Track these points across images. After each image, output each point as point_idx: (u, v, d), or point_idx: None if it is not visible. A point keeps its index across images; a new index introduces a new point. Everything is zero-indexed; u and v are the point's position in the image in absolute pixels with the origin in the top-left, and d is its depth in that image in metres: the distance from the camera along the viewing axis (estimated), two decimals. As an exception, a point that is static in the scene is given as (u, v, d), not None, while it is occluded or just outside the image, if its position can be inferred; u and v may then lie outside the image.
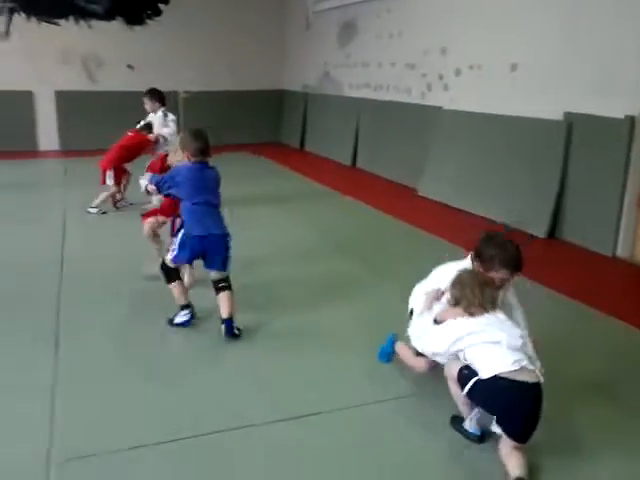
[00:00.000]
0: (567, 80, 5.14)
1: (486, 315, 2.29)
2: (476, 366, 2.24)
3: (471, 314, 2.30)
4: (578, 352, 3.18)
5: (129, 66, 9.66)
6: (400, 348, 2.86)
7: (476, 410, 2.35)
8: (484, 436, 2.35)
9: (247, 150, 9.80)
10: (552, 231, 5.26)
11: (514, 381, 2.12)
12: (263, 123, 11.02)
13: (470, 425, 2.38)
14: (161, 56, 9.89)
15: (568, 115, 5.12)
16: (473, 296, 2.31)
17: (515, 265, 2.47)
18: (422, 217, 5.83)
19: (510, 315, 2.43)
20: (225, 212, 3.43)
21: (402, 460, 2.30)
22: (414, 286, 2.85)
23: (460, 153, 6.43)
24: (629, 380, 2.90)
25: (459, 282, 2.39)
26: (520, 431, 2.16)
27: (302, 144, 10.39)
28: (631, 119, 4.58)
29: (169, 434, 2.39)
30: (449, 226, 5.59)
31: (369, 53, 8.41)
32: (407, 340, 2.69)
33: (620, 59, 4.65)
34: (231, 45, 10.50)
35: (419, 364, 2.69)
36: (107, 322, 3.40)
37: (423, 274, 2.85)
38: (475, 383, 2.21)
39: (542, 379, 2.17)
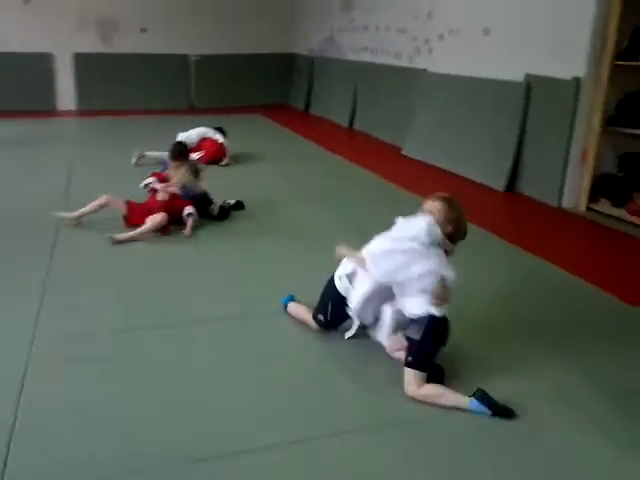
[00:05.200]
0: (528, 43, 5.49)
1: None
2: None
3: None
4: (518, 295, 3.49)
5: (142, 29, 10.18)
6: (294, 306, 3.07)
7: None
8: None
9: (257, 112, 10.29)
10: (511, 185, 5.68)
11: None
12: (274, 86, 11.44)
13: None
14: (173, 19, 10.38)
15: (527, 77, 5.49)
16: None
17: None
18: (400, 175, 6.25)
19: None
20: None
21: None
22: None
23: (437, 114, 6.83)
24: (561, 321, 3.19)
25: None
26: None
27: (307, 107, 10.83)
28: (577, 80, 4.94)
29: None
30: (423, 182, 6.05)
31: (369, 17, 8.75)
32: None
33: (570, 25, 4.98)
34: (242, 9, 10.90)
35: (314, 325, 2.90)
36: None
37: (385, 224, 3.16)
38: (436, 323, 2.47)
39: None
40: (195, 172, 4.55)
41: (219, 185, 4.98)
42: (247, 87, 11.16)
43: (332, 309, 2.79)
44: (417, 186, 5.70)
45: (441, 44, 6.97)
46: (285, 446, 2.16)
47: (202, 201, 4.57)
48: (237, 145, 6.82)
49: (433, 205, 2.60)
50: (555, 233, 4.73)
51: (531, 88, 5.45)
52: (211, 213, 4.62)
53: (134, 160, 6.24)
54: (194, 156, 6.32)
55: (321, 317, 2.83)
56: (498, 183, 5.71)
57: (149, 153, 6.36)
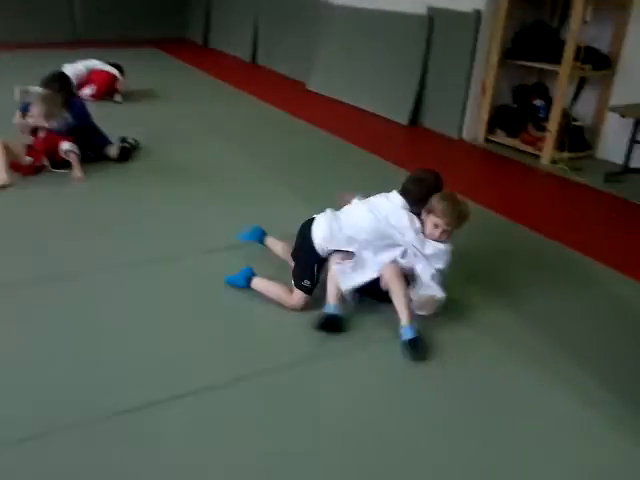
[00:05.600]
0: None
1: None
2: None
3: None
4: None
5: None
6: (262, 283, 2.70)
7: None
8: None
9: (153, 46, 9.72)
10: (414, 119, 5.82)
11: None
12: (169, 17, 10.81)
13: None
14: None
15: (430, 10, 5.55)
16: None
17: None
18: (307, 110, 6.20)
19: None
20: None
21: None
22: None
23: (342, 48, 6.78)
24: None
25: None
26: None
27: (206, 41, 10.37)
28: (477, 12, 5.07)
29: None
30: (330, 117, 6.06)
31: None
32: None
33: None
34: None
35: (295, 299, 2.61)
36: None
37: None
38: None
39: None
40: (54, 100, 4.05)
41: (115, 125, 4.70)
42: (140, 19, 10.45)
43: (317, 271, 2.64)
44: (324, 121, 5.72)
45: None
46: (202, 392, 2.11)
47: (86, 135, 4.18)
48: (134, 81, 6.45)
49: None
50: (456, 163, 4.93)
51: (433, 21, 5.52)
52: (110, 155, 4.29)
53: (17, 96, 5.74)
54: (86, 92, 5.94)
55: (307, 282, 2.61)
56: (402, 117, 5.82)
57: (33, 88, 5.86)
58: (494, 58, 5.12)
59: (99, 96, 5.93)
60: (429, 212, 2.57)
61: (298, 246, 2.75)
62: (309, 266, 2.63)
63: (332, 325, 2.46)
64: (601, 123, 4.97)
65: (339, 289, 2.54)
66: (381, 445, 1.92)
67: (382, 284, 2.53)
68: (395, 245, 2.60)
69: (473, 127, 5.40)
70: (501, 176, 4.70)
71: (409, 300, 2.46)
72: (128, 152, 4.39)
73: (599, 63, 4.75)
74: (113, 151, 4.30)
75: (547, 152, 4.81)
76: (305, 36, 7.59)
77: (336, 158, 4.78)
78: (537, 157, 4.92)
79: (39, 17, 9.59)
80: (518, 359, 2.37)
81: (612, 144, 4.89)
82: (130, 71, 6.45)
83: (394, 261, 2.54)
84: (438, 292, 2.51)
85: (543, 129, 5.02)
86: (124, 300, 2.67)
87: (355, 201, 2.79)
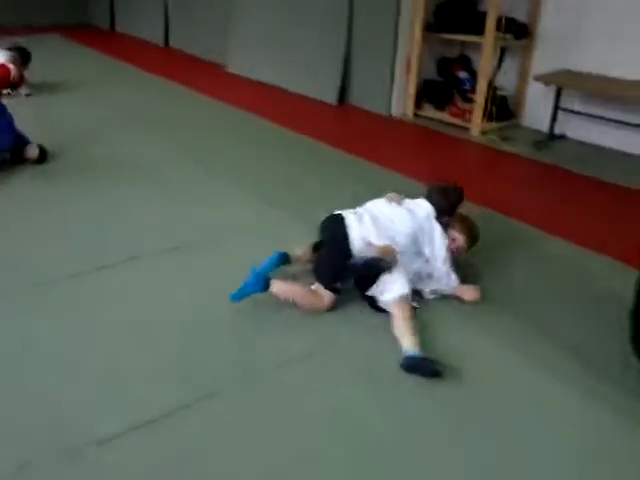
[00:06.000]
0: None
1: None
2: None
3: None
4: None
5: None
6: (285, 286, 2.47)
7: None
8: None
9: (55, 32, 9.08)
10: (342, 98, 5.76)
11: None
12: (69, 1, 10.16)
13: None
14: None
15: (350, -16, 5.46)
16: None
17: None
18: (232, 94, 5.97)
19: None
20: None
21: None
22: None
23: (260, 27, 6.56)
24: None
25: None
26: None
27: (112, 25, 9.81)
28: (397, -15, 5.03)
29: None
30: (252, 98, 5.89)
31: None
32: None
33: None
34: None
35: (326, 301, 2.45)
36: None
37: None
38: None
39: None
40: None
41: (26, 121, 4.29)
42: (38, 3, 9.75)
43: (349, 270, 2.47)
44: (250, 104, 5.56)
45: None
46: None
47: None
48: (39, 72, 5.98)
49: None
50: (387, 139, 4.94)
51: (353, -2, 5.45)
52: (28, 157, 3.91)
53: None
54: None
55: (339, 284, 2.48)
56: (330, 97, 5.74)
57: None
58: (418, 32, 5.11)
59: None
60: (450, 226, 2.65)
61: (329, 246, 2.54)
62: (341, 266, 2.45)
63: (432, 370, 2.14)
64: (524, 92, 5.10)
65: (415, 335, 2.27)
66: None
67: (383, 305, 2.45)
68: (419, 253, 2.58)
69: (401, 103, 5.40)
70: (434, 149, 4.74)
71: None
72: (46, 153, 4.05)
73: (519, 32, 4.85)
74: (32, 152, 3.93)
75: (476, 123, 4.89)
76: (220, 15, 7.30)
77: (269, 143, 4.65)
78: (466, 129, 4.99)
79: None
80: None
81: (535, 112, 5.03)
82: (35, 60, 5.93)
83: (406, 297, 2.44)
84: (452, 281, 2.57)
85: (469, 100, 5.10)
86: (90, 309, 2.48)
87: (384, 202, 2.68)
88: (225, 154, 4.33)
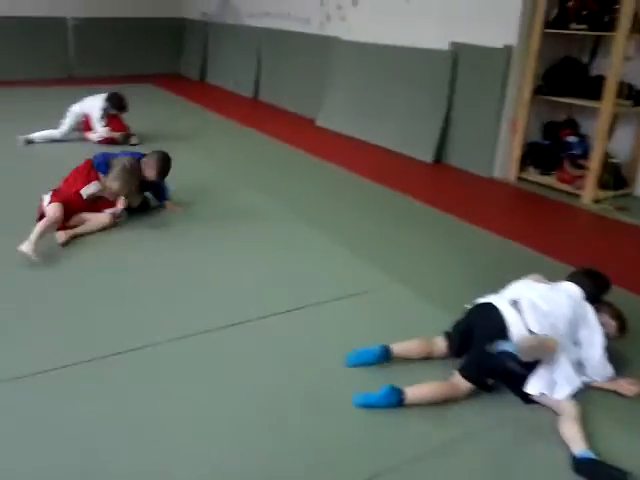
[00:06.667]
0: (452, 11, 5.38)
1: None
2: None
3: None
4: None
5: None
6: (419, 391, 2.19)
7: None
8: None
9: (148, 82, 9.46)
10: (438, 156, 5.61)
11: None
12: (162, 53, 10.65)
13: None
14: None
15: (453, 45, 5.39)
16: None
17: None
18: (324, 148, 5.94)
19: None
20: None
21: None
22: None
23: (356, 84, 6.60)
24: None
25: None
26: None
27: (202, 76, 10.16)
28: (509, 48, 4.91)
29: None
30: (344, 153, 5.83)
31: (269, -19, 8.28)
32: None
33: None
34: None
35: (465, 390, 2.22)
36: None
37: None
38: None
39: None
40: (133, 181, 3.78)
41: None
42: (133, 55, 10.27)
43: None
44: (346, 160, 5.49)
45: (355, 10, 6.70)
46: None
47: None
48: (138, 120, 6.12)
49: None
50: (492, 203, 4.74)
51: (458, 57, 5.36)
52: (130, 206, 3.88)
53: (20, 143, 5.46)
54: (93, 137, 5.63)
55: (491, 381, 2.26)
56: (426, 154, 5.61)
57: (36, 135, 5.54)
58: (526, 94, 4.94)
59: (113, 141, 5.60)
60: (599, 312, 2.40)
61: (483, 340, 2.22)
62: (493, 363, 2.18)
63: (615, 477, 1.90)
64: (639, 160, 4.81)
65: (582, 431, 2.04)
66: None
67: (550, 405, 2.19)
68: (575, 342, 2.33)
69: (504, 165, 5.20)
70: (543, 216, 4.46)
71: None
72: (147, 203, 4.07)
73: (638, 99, 4.61)
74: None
75: (589, 191, 4.62)
76: (311, 72, 7.42)
77: (363, 198, 4.54)
78: (575, 196, 4.72)
79: (33, 54, 9.34)
80: None
81: (653, 181, 4.73)
82: (132, 109, 6.05)
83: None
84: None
85: (580, 167, 4.85)
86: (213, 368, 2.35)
87: (534, 284, 2.45)
88: (328, 210, 4.23)
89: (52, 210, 3.44)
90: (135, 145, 5.59)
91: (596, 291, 2.45)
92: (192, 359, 2.45)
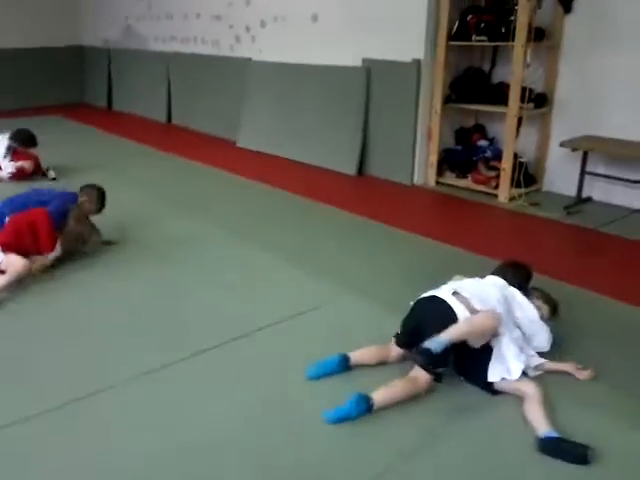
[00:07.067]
0: (362, 29, 5.61)
1: None
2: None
3: None
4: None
5: None
6: (385, 394, 2.27)
7: None
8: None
9: (56, 113, 9.12)
10: (361, 168, 5.81)
11: None
12: (64, 83, 10.31)
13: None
14: None
15: (365, 61, 5.63)
16: None
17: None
18: (250, 168, 5.99)
19: None
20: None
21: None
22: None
23: (272, 103, 6.70)
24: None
25: None
26: None
27: (110, 103, 9.92)
28: (417, 62, 5.19)
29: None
30: (269, 172, 5.91)
31: (172, 4, 8.24)
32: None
33: (408, 8, 5.18)
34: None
35: (425, 383, 2.32)
36: None
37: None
38: None
39: None
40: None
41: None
42: (34, 86, 9.88)
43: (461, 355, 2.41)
44: (272, 178, 5.57)
45: (264, 31, 6.82)
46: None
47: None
48: (52, 154, 5.90)
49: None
50: (417, 207, 4.99)
51: (371, 72, 5.59)
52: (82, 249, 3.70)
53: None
54: (2, 174, 5.38)
55: (442, 369, 2.36)
56: (349, 168, 5.79)
57: None
58: (437, 104, 5.24)
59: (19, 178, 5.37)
60: (530, 298, 2.63)
61: (437, 327, 2.30)
62: (448, 351, 2.29)
63: (578, 454, 2.01)
64: (544, 158, 5.22)
65: (546, 412, 2.18)
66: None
67: (514, 390, 2.33)
68: (514, 322, 2.50)
69: (422, 172, 5.46)
70: (464, 216, 4.75)
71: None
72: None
73: (538, 102, 5.00)
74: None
75: (504, 190, 4.95)
76: (225, 93, 7.45)
77: (296, 214, 4.65)
78: (492, 195, 5.05)
79: None
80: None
81: (558, 177, 5.13)
82: (44, 142, 5.84)
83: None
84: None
85: (493, 168, 5.19)
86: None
87: (458, 279, 2.65)
88: (261, 227, 4.28)
89: (21, 263, 3.25)
90: (54, 179, 5.40)
91: (520, 279, 2.69)
92: (155, 392, 2.42)
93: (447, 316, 2.34)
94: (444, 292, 2.47)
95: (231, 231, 4.21)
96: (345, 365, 2.48)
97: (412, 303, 2.56)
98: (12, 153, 5.39)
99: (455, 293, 2.44)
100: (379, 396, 2.25)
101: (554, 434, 2.07)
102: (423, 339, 2.30)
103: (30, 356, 2.65)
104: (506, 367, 2.34)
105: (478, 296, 2.44)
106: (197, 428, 2.20)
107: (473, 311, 2.36)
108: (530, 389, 2.27)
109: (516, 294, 2.60)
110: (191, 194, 5.18)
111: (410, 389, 2.30)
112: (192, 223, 4.39)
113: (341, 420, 2.18)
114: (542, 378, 2.46)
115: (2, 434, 2.15)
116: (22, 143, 5.47)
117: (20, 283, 3.25)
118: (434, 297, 2.46)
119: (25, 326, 2.93)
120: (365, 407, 2.21)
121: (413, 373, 2.35)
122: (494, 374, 2.34)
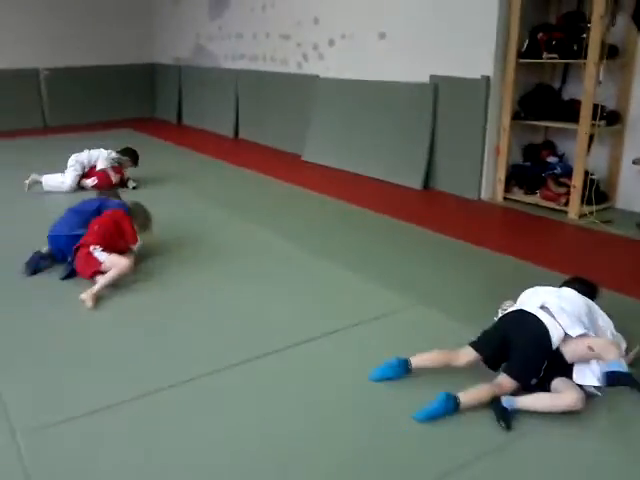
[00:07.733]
0: (429, 46, 5.71)
1: None
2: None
3: None
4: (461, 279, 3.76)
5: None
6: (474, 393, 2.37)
7: None
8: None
9: (126, 127, 9.59)
10: (426, 183, 5.88)
11: None
12: (135, 98, 10.83)
13: None
14: (20, 31, 9.37)
15: (433, 78, 5.72)
16: None
17: None
18: (310, 180, 6.18)
19: None
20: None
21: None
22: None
23: (338, 118, 6.87)
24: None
25: None
26: None
27: (179, 118, 10.34)
28: (487, 79, 5.24)
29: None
30: (335, 185, 6.05)
31: (242, 25, 8.57)
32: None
33: (477, 25, 5.26)
34: (96, 18, 10.15)
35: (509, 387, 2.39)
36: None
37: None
38: None
39: None
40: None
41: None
42: (106, 102, 10.45)
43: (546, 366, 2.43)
44: (339, 192, 5.70)
45: (332, 49, 7.01)
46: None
47: None
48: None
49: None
50: (486, 222, 5.00)
51: (439, 88, 5.68)
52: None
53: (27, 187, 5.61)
54: (88, 182, 5.75)
55: (535, 380, 2.42)
56: (415, 182, 5.87)
57: (45, 181, 5.64)
58: (506, 120, 5.27)
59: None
60: None
61: (529, 345, 2.41)
62: (539, 364, 2.38)
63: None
64: (616, 175, 5.16)
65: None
66: None
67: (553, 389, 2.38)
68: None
69: (490, 187, 5.49)
70: (535, 233, 4.72)
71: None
72: None
73: (610, 119, 4.96)
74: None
75: (574, 207, 4.92)
76: (292, 109, 7.68)
77: (365, 227, 4.74)
78: (561, 212, 5.02)
79: (8, 106, 9.39)
80: None
81: (630, 194, 5.06)
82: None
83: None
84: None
85: (562, 184, 5.16)
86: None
87: (534, 292, 2.67)
88: (329, 240, 4.41)
89: (125, 263, 3.47)
90: (135, 188, 5.78)
91: (588, 296, 2.69)
92: (237, 387, 2.56)
93: (539, 331, 2.40)
94: (532, 307, 2.51)
95: (298, 242, 4.33)
96: (405, 368, 2.55)
97: (496, 318, 2.63)
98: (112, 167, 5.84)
99: (544, 307, 2.49)
100: (465, 397, 2.33)
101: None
102: (510, 353, 2.39)
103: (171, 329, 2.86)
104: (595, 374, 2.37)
105: (567, 310, 2.47)
106: (283, 418, 2.33)
107: (563, 329, 2.41)
108: (570, 398, 2.29)
109: (593, 303, 2.65)
110: (259, 206, 5.37)
111: (494, 394, 2.36)
112: (262, 233, 4.57)
113: (430, 418, 2.27)
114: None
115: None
116: (133, 162, 6.04)
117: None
118: (523, 311, 2.51)
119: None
120: (453, 406, 2.29)
121: (499, 380, 2.41)
122: (589, 379, 2.37)
